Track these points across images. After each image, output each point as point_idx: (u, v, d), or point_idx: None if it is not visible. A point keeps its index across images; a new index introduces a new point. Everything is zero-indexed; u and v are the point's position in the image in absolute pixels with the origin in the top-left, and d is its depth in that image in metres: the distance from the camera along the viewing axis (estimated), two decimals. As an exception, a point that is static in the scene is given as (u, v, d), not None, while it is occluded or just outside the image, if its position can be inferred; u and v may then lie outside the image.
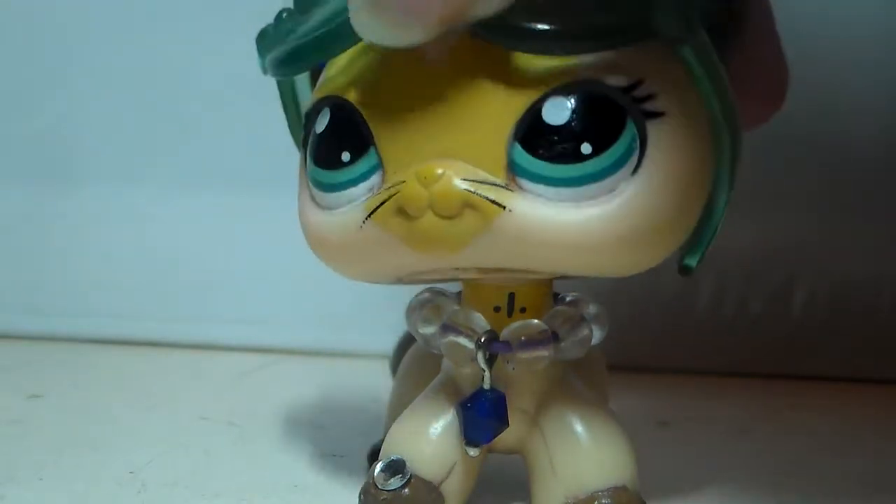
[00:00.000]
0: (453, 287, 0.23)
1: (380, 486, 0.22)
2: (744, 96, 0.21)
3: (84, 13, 0.39)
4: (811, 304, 0.38)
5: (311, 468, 0.27)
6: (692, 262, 0.22)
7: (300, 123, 0.24)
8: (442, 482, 0.23)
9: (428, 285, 0.24)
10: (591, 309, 0.23)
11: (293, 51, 0.22)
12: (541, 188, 0.20)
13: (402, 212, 0.20)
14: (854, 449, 0.30)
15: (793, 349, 0.38)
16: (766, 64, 0.24)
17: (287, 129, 0.25)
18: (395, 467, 0.22)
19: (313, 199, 0.23)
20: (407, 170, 0.20)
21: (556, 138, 0.20)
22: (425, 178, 0.20)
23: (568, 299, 0.23)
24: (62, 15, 0.39)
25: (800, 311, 0.38)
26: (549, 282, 0.23)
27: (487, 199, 0.20)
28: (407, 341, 0.29)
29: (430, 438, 0.23)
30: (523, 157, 0.20)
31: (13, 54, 0.40)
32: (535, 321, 0.22)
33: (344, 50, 0.21)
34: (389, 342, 0.39)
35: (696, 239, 0.22)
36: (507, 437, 0.23)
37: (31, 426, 0.30)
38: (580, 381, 0.23)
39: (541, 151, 0.20)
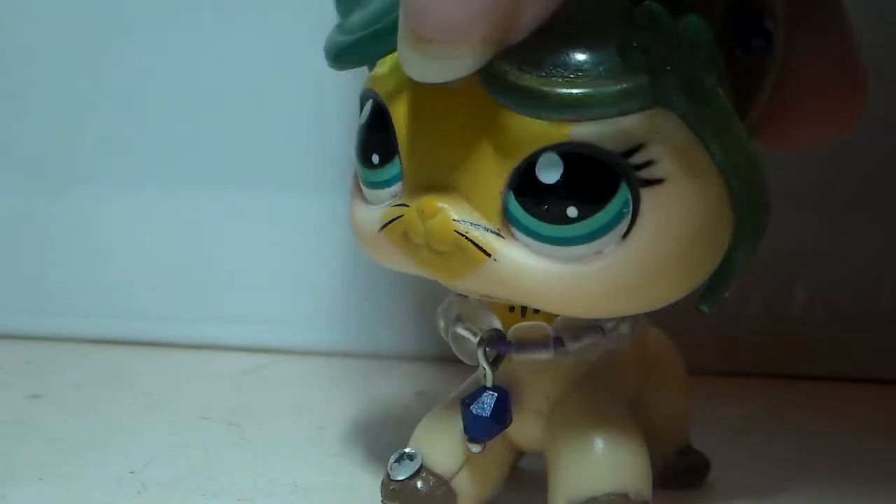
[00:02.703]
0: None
1: (391, 477, 0.23)
2: (802, 111, 0.21)
3: (84, 13, 0.39)
4: (811, 304, 0.38)
5: (311, 468, 0.27)
6: (705, 307, 0.22)
7: None
8: (453, 477, 0.23)
9: None
10: (611, 322, 0.23)
11: (338, 49, 0.22)
12: (528, 240, 0.20)
13: (406, 235, 0.21)
14: (854, 449, 0.30)
15: (793, 349, 0.38)
16: (826, 72, 0.23)
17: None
18: (407, 458, 0.23)
19: (356, 184, 0.23)
20: (414, 193, 0.21)
21: (545, 197, 0.19)
22: (423, 211, 0.20)
23: None
24: (62, 15, 0.39)
25: (800, 311, 0.38)
26: None
27: (475, 244, 0.20)
28: None
29: (444, 434, 0.23)
30: (516, 208, 0.20)
31: (13, 54, 0.40)
32: (541, 324, 0.22)
33: (384, 55, 0.21)
34: (389, 342, 0.39)
35: (709, 287, 0.21)
36: (528, 437, 0.23)
37: (31, 426, 0.30)
38: (604, 384, 0.23)
39: (530, 206, 0.20)
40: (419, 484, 0.23)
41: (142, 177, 0.40)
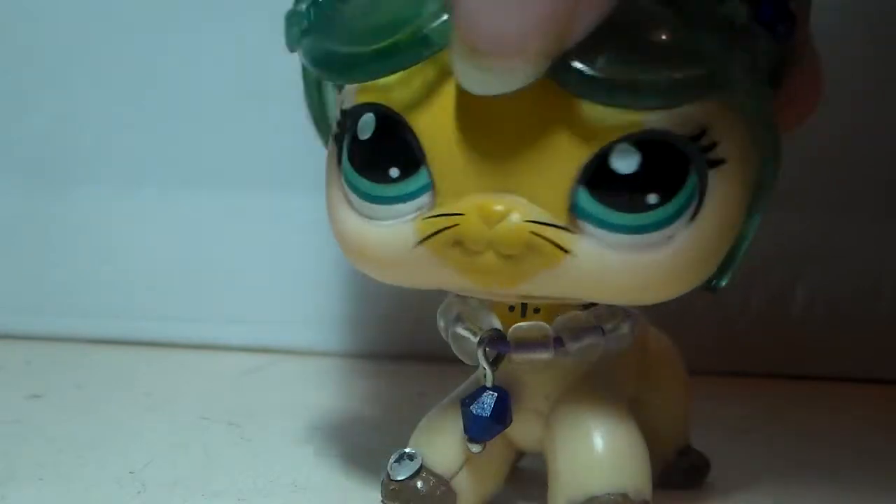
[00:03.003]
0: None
1: (391, 477, 0.23)
2: (795, 97, 0.22)
3: (84, 13, 0.39)
4: (811, 305, 0.38)
5: (310, 468, 0.27)
6: (723, 282, 0.22)
7: (323, 112, 0.24)
8: (453, 477, 0.23)
9: None
10: (613, 321, 0.23)
11: (342, 61, 0.20)
12: (602, 233, 0.20)
13: (458, 244, 0.20)
14: (854, 449, 0.30)
15: (793, 349, 0.38)
16: (803, 68, 0.23)
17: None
18: (407, 458, 0.23)
19: (350, 203, 0.22)
20: (463, 199, 0.20)
21: (623, 187, 0.19)
22: (489, 216, 0.20)
23: (601, 305, 0.23)
24: (62, 15, 0.39)
25: (800, 311, 0.38)
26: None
27: (552, 242, 0.20)
28: None
29: (444, 434, 0.23)
30: (588, 202, 0.20)
31: (13, 54, 0.40)
32: (541, 324, 0.22)
33: (411, 66, 0.20)
34: (389, 342, 0.39)
35: (727, 261, 0.21)
36: (528, 437, 0.23)
37: (31, 426, 0.30)
38: (604, 384, 0.23)
39: (606, 198, 0.20)
40: (419, 484, 0.23)
41: (142, 177, 0.40)
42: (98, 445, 0.29)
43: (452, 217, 0.20)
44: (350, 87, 0.21)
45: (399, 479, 0.23)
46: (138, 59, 0.39)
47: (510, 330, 0.22)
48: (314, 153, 0.38)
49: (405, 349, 0.39)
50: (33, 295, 0.41)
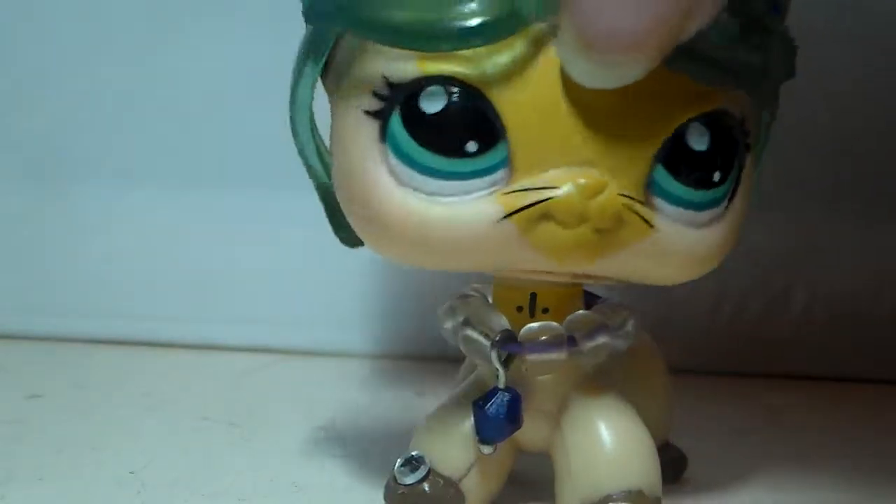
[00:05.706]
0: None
1: (399, 481, 0.23)
2: None
3: (84, 13, 0.39)
4: (811, 305, 0.38)
5: (311, 468, 0.27)
6: None
7: (308, 115, 0.23)
8: (461, 479, 0.23)
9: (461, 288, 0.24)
10: (618, 320, 0.23)
11: (430, 29, 0.19)
12: (672, 209, 0.21)
13: (548, 218, 0.20)
14: (854, 449, 0.30)
15: (793, 349, 0.38)
16: None
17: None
18: (415, 462, 0.23)
19: (400, 180, 0.21)
20: (546, 174, 0.20)
21: (696, 164, 0.21)
22: (587, 188, 0.20)
23: (601, 304, 0.23)
24: (61, 15, 0.39)
25: (800, 311, 0.38)
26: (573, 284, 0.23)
27: (641, 217, 0.20)
28: None
29: (452, 435, 0.23)
30: (665, 179, 0.20)
31: (13, 54, 0.40)
32: (553, 324, 0.22)
33: (500, 40, 0.20)
34: (389, 342, 0.39)
35: None
36: (534, 438, 0.23)
37: (31, 426, 0.30)
38: (610, 384, 0.23)
39: (682, 175, 0.20)
40: (427, 487, 0.23)
41: (142, 177, 0.40)
42: (98, 445, 0.29)
43: (544, 191, 0.20)
44: (397, 56, 0.20)
45: (408, 482, 0.23)
46: (138, 59, 0.39)
47: (521, 331, 0.22)
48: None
49: (405, 349, 0.39)
50: (33, 295, 0.41)
